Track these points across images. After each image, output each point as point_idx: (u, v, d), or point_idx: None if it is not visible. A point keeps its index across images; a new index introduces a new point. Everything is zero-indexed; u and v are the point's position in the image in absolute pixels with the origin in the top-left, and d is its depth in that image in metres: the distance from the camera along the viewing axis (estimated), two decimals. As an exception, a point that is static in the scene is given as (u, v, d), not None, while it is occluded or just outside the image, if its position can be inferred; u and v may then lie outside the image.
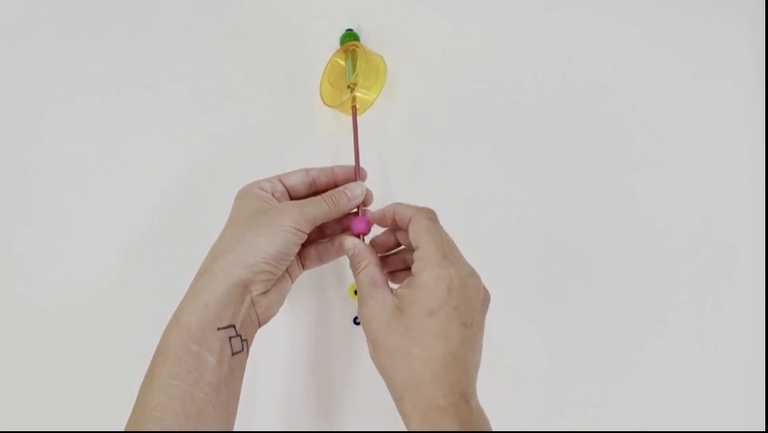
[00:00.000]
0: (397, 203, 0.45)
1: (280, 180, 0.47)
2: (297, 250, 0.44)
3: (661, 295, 0.59)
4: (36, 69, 0.59)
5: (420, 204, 0.44)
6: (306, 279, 0.56)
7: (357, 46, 0.56)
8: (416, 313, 0.39)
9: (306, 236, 0.44)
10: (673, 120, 0.62)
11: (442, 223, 0.44)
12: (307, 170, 0.48)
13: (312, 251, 0.49)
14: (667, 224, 0.60)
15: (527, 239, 0.58)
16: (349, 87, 0.55)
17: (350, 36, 0.59)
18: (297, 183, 0.48)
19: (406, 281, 0.41)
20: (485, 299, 0.42)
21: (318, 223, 0.45)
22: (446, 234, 0.43)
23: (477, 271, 0.42)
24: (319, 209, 0.45)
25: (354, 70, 0.55)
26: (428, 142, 0.59)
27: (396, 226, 0.46)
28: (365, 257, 0.44)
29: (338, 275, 0.57)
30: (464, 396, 0.39)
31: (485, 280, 0.42)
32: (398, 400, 0.40)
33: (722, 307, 0.59)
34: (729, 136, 0.62)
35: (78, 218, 0.57)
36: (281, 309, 0.55)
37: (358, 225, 0.47)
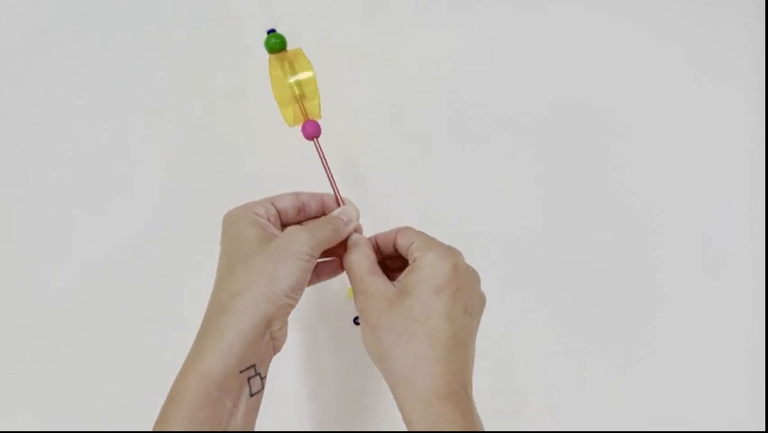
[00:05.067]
0: (375, 235, 0.44)
1: (273, 204, 0.45)
2: (309, 277, 0.42)
3: (661, 295, 0.59)
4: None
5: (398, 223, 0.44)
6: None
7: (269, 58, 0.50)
8: (422, 291, 0.39)
9: (316, 262, 0.42)
10: (673, 120, 0.62)
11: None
12: (297, 194, 0.46)
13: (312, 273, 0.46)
14: (667, 224, 0.60)
15: (525, 239, 0.58)
16: (295, 98, 0.49)
17: (274, 38, 0.49)
18: (288, 207, 0.46)
19: (406, 270, 0.41)
20: (482, 298, 0.42)
21: (325, 248, 0.43)
22: None
23: None
24: (326, 233, 0.43)
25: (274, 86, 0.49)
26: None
27: (379, 252, 0.45)
28: (362, 244, 0.43)
29: (337, 276, 0.56)
30: (465, 388, 0.38)
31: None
32: (396, 386, 0.38)
33: (722, 307, 0.59)
34: (729, 137, 0.62)
35: (73, 219, 0.57)
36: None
37: (308, 128, 0.47)
